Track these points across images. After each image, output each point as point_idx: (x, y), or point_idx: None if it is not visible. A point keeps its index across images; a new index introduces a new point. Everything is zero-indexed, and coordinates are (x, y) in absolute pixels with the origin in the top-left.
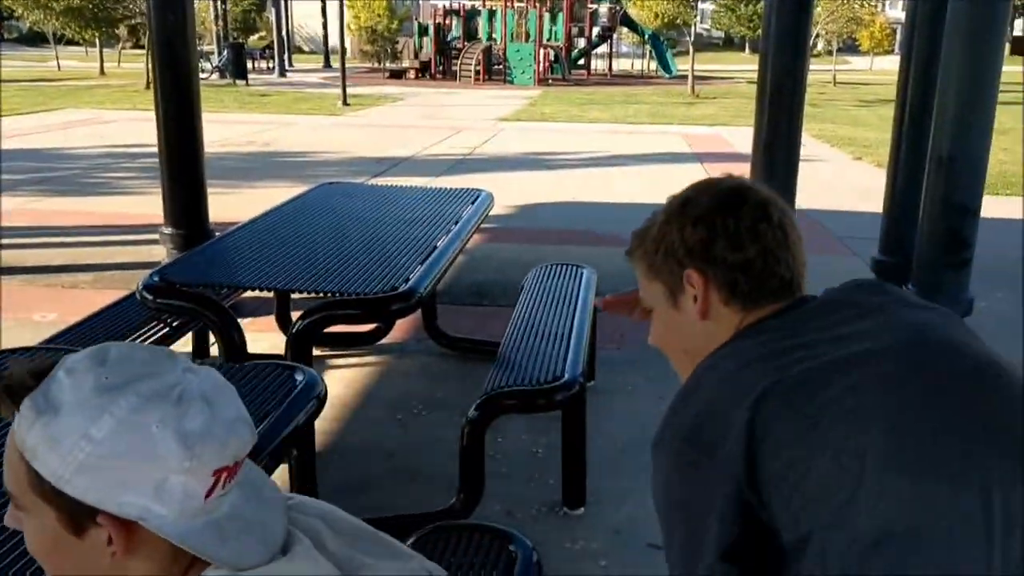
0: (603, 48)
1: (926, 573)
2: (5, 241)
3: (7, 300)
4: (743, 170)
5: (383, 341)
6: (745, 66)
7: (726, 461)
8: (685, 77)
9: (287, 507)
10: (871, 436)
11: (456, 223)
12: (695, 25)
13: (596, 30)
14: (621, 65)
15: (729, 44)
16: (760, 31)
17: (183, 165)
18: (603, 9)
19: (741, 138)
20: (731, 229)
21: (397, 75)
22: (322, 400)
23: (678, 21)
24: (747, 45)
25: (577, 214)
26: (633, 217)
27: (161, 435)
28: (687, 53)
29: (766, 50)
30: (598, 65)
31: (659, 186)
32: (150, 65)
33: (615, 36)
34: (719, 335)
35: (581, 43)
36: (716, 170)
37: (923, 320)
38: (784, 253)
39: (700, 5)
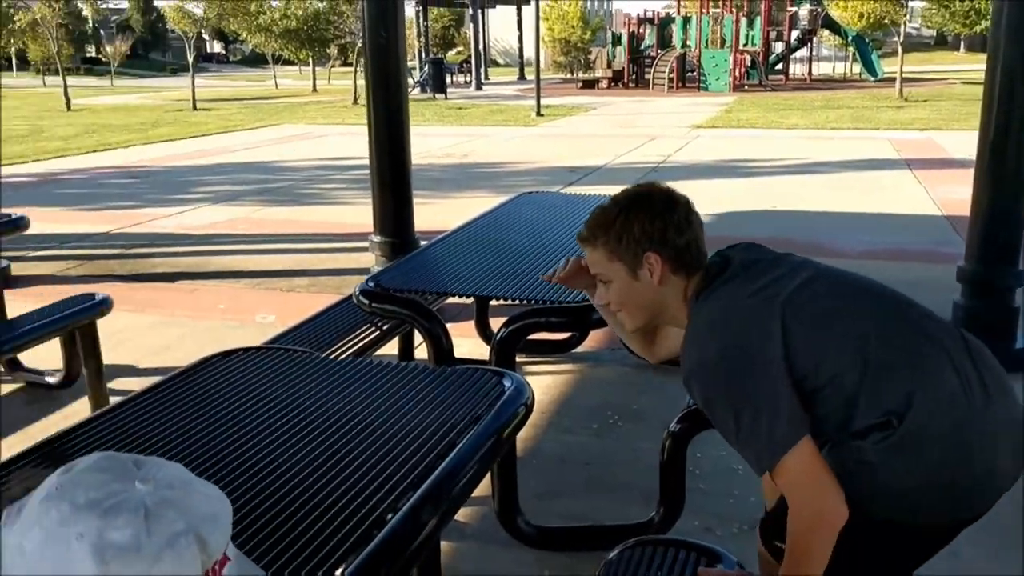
0: (802, 52)
1: (902, 377)
2: (233, 247)
3: (233, 302)
4: (961, 176)
5: (577, 350)
6: (960, 66)
7: (775, 354)
8: (892, 79)
9: None
10: (845, 319)
11: None
12: (904, 24)
13: (795, 33)
14: (821, 69)
15: (941, 43)
16: (977, 27)
17: (392, 176)
18: (803, 12)
19: (956, 143)
20: (675, 221)
21: (590, 85)
22: (529, 407)
23: (885, 20)
24: (962, 43)
25: (777, 222)
26: (837, 226)
27: (79, 548)
28: (895, 54)
29: (995, 45)
30: (796, 69)
31: (865, 193)
32: (362, 81)
33: (815, 39)
34: (671, 296)
35: (779, 47)
36: (928, 177)
37: (803, 261)
38: (703, 235)
39: (910, 3)
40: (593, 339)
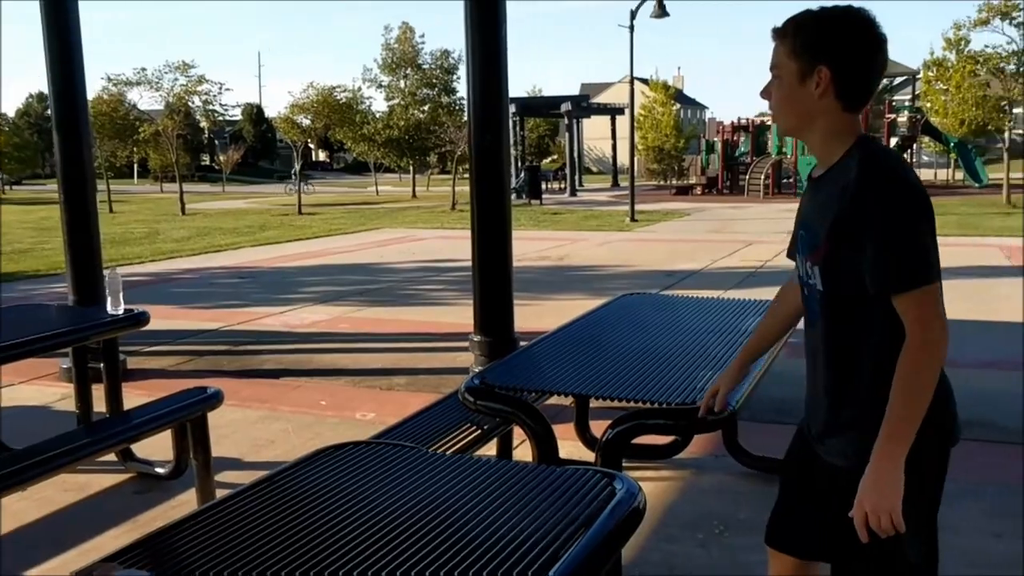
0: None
1: None
2: (334, 345)
3: (334, 398)
4: None
5: (678, 456)
6: None
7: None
8: (998, 186)
9: None
10: None
11: None
12: (1009, 131)
13: (894, 140)
14: (923, 175)
15: None
16: None
17: (494, 277)
18: (902, 118)
19: None
20: (867, 53)
21: (683, 191)
22: (641, 511)
23: (988, 127)
24: None
25: None
26: (955, 335)
27: None
28: (1000, 160)
29: None
30: None
31: (976, 301)
32: (460, 187)
33: (915, 145)
34: (826, 116)
35: None
36: None
37: None
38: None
39: (1015, 110)
40: (696, 445)
